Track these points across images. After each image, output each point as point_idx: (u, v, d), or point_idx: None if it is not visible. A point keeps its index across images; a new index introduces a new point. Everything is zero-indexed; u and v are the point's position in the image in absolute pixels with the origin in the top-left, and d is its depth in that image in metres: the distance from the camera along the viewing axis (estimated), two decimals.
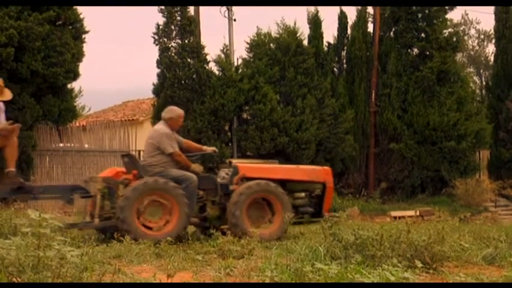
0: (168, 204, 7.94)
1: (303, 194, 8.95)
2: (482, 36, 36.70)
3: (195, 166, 8.41)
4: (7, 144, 8.18)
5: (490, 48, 38.98)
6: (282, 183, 8.68)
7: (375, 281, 4.55)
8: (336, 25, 22.56)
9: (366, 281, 4.54)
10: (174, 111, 8.60)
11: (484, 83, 31.32)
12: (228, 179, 8.53)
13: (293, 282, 4.80)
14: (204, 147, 9.14)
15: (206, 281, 4.89)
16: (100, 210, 8.08)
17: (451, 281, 5.12)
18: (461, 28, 35.29)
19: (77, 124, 19.18)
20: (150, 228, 7.90)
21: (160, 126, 8.45)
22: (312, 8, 21.75)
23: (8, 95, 8.72)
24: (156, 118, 19.86)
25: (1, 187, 8.14)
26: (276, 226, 8.39)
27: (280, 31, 20.54)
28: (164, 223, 7.94)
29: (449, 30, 23.31)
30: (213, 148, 9.19)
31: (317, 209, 8.98)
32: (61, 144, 17.42)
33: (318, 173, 9.25)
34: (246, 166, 8.81)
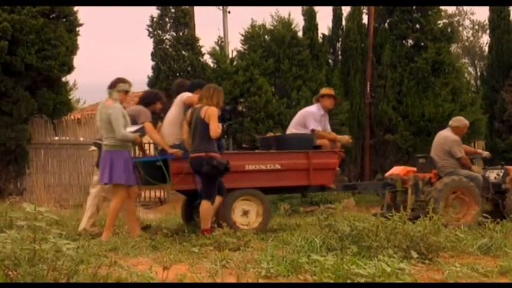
0: (467, 200, 9.38)
1: None
2: (477, 27, 36.69)
3: (475, 167, 9.93)
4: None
5: (485, 39, 39.03)
6: None
7: (371, 272, 4.57)
8: (331, 16, 22.54)
9: (362, 271, 4.56)
10: (461, 121, 10.11)
11: (478, 73, 31.30)
12: (500, 179, 10.00)
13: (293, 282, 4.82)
14: (479, 151, 10.71)
15: (202, 273, 4.89)
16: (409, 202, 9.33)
17: (446, 271, 5.13)
18: (456, 19, 35.25)
19: (72, 117, 19.14)
20: None
21: (449, 133, 9.97)
22: None
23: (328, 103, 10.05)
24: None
25: (335, 184, 9.55)
26: None
27: (275, 23, 20.48)
28: (462, 215, 9.25)
29: (444, 21, 23.29)
30: (487, 153, 10.77)
31: None
32: (56, 138, 17.37)
33: None
34: None
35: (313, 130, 9.53)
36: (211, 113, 7.85)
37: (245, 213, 8.54)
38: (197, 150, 7.87)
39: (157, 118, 8.85)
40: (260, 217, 8.56)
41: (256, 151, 9.72)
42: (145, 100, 8.91)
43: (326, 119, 9.95)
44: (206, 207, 7.91)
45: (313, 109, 9.85)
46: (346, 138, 10.11)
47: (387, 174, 10.39)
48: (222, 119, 8.26)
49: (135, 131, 7.93)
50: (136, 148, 9.05)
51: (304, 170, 8.94)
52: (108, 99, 7.93)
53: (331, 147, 9.57)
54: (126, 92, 8.02)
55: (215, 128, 7.81)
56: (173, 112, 8.66)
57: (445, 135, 9.97)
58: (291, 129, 9.81)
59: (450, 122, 10.14)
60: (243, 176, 8.52)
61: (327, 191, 10.33)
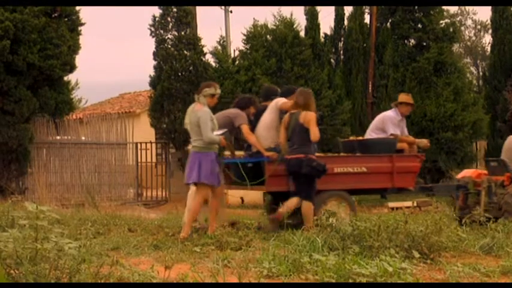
0: None
1: None
2: (479, 27, 36.70)
3: None
4: None
5: (487, 39, 38.98)
6: None
7: (373, 272, 4.57)
8: (333, 16, 22.55)
9: (364, 271, 4.55)
10: None
11: (480, 73, 31.33)
12: None
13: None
14: None
15: (204, 273, 4.89)
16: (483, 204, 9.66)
17: (448, 271, 5.13)
18: (458, 18, 35.26)
19: (74, 116, 19.15)
20: None
21: None
22: None
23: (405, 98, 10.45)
24: (153, 110, 19.83)
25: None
26: None
27: (277, 22, 20.50)
28: None
29: (446, 20, 23.29)
30: None
31: None
32: (58, 137, 17.38)
33: None
34: None
35: (392, 134, 9.89)
36: (310, 118, 8.24)
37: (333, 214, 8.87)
38: (296, 152, 8.21)
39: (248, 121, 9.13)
40: (347, 218, 8.86)
41: (343, 154, 9.98)
42: (240, 104, 9.28)
43: (404, 124, 10.29)
44: (307, 208, 8.16)
45: (392, 114, 10.21)
46: (424, 142, 10.41)
47: (458, 176, 10.74)
48: None
49: (220, 134, 8.28)
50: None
51: (388, 173, 9.33)
52: (196, 103, 8.29)
53: (409, 151, 9.91)
54: (213, 95, 8.32)
55: (316, 132, 8.19)
56: (268, 117, 8.97)
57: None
58: (370, 133, 10.20)
59: None
60: (332, 178, 8.84)
61: (404, 193, 10.72)
